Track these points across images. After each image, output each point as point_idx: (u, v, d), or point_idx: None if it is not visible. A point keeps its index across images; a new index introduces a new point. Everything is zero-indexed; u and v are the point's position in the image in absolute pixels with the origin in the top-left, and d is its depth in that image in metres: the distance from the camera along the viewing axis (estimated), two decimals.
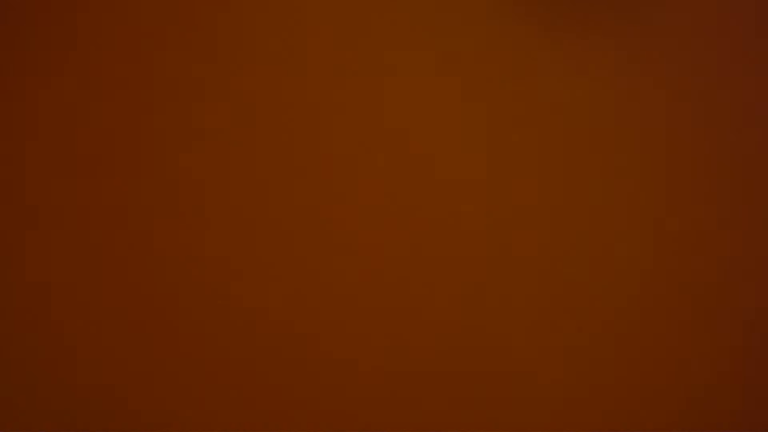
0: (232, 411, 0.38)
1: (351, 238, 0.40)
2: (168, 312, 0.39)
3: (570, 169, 0.42)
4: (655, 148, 0.42)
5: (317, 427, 0.38)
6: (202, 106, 0.42)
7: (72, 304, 0.39)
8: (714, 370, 0.40)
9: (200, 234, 0.40)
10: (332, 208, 0.41)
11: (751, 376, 0.40)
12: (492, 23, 0.43)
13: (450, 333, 0.40)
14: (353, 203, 0.41)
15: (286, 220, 0.41)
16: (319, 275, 0.40)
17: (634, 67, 0.43)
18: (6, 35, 0.42)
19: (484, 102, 0.42)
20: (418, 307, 0.40)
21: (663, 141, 0.42)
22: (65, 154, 0.41)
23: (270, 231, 0.40)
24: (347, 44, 0.43)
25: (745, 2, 0.44)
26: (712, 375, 0.40)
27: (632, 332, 0.40)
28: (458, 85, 0.42)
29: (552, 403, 0.39)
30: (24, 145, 0.41)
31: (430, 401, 0.39)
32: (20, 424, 0.38)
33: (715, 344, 0.40)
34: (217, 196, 0.41)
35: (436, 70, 0.43)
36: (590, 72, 0.43)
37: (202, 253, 0.40)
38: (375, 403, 0.39)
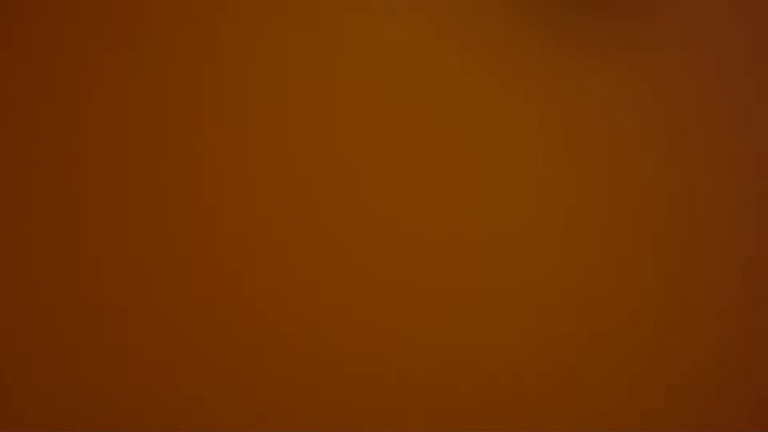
0: (232, 413, 0.38)
1: (352, 241, 0.40)
2: (168, 312, 0.39)
3: (576, 176, 0.42)
4: (661, 155, 0.42)
5: (319, 428, 0.38)
6: (203, 105, 0.42)
7: (71, 303, 0.39)
8: (712, 370, 0.40)
9: (198, 234, 0.40)
10: (331, 211, 0.41)
11: (751, 375, 0.40)
12: (500, 32, 0.43)
13: (449, 336, 0.40)
14: (355, 206, 0.41)
15: (286, 221, 0.41)
16: (317, 276, 0.40)
17: (643, 78, 0.43)
18: (5, 34, 0.42)
19: (489, 109, 0.42)
20: (419, 310, 0.40)
21: (670, 148, 0.42)
22: (67, 153, 0.41)
23: (269, 232, 0.40)
24: (352, 51, 0.43)
25: (753, 9, 0.44)
26: (710, 375, 0.40)
27: (630, 334, 0.40)
28: (463, 94, 0.42)
29: (551, 405, 0.39)
30: (23, 144, 0.41)
31: (430, 404, 0.39)
32: (20, 424, 0.38)
33: (714, 345, 0.40)
34: (216, 196, 0.41)
35: (442, 76, 0.43)
36: (598, 81, 0.43)
37: (202, 253, 0.40)
38: (374, 406, 0.39)
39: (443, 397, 0.39)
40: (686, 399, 0.39)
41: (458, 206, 0.41)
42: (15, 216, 0.40)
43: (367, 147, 0.41)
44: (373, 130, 0.42)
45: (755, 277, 0.41)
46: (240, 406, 0.39)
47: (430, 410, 0.39)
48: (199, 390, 0.39)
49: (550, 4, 0.44)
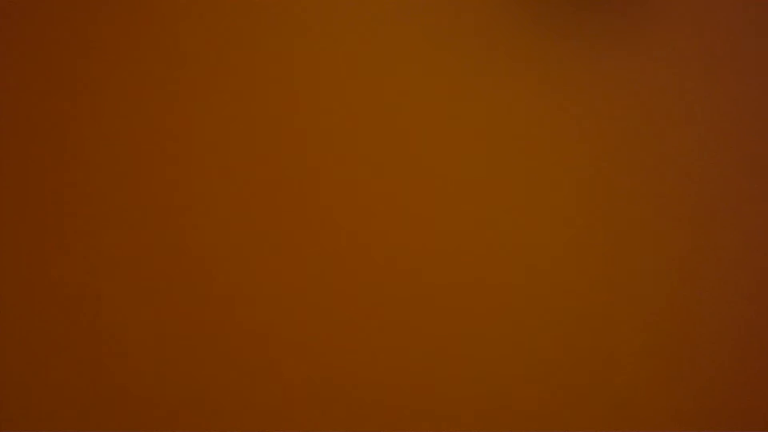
0: (230, 414, 0.39)
1: (353, 241, 0.40)
2: (167, 313, 0.39)
3: (576, 172, 0.42)
4: (666, 151, 0.42)
5: (317, 428, 0.38)
6: (200, 106, 0.42)
7: (70, 303, 0.39)
8: (710, 370, 0.40)
9: (196, 234, 0.40)
10: (328, 210, 0.41)
11: (749, 375, 0.40)
12: (501, 27, 0.43)
13: (448, 336, 0.40)
14: (357, 205, 0.41)
15: (283, 221, 0.41)
16: (316, 276, 0.40)
17: (645, 71, 0.43)
18: (6, 34, 0.42)
19: (490, 105, 0.42)
20: (419, 309, 0.40)
21: (671, 143, 0.42)
22: (65, 153, 0.41)
23: (266, 232, 0.40)
24: (353, 45, 0.43)
25: (754, 6, 0.44)
26: (710, 375, 0.40)
27: (630, 335, 0.40)
28: (464, 89, 0.42)
29: (551, 405, 0.39)
30: (21, 144, 0.41)
31: (429, 404, 0.39)
32: (20, 424, 0.38)
33: (711, 345, 0.40)
34: (214, 196, 0.41)
35: (443, 73, 0.42)
36: (599, 76, 0.43)
37: (201, 253, 0.40)
38: (374, 407, 0.39)
39: (443, 397, 0.39)
40: (687, 399, 0.39)
41: (460, 203, 0.41)
42: (14, 215, 0.40)
43: (369, 144, 0.41)
44: (374, 127, 0.42)
45: (753, 277, 0.41)
46: (239, 406, 0.39)
47: (430, 410, 0.39)
48: (199, 391, 0.39)
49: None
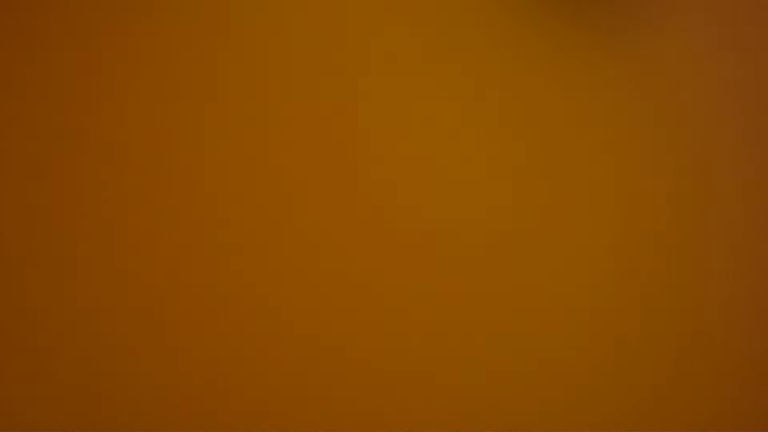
0: (232, 412, 0.38)
1: (347, 240, 0.40)
2: (170, 312, 0.39)
3: (573, 174, 0.42)
4: (662, 153, 0.42)
5: (319, 427, 0.38)
6: (199, 105, 0.42)
7: (74, 303, 0.39)
8: (711, 371, 0.40)
9: (197, 233, 0.40)
10: (328, 210, 0.41)
11: (751, 375, 0.40)
12: (500, 27, 0.43)
13: (448, 334, 0.40)
14: (351, 204, 0.41)
15: (283, 220, 0.41)
16: (314, 275, 0.40)
17: (642, 74, 0.43)
18: (7, 34, 0.42)
19: (488, 106, 0.42)
20: (415, 307, 0.40)
21: (671, 147, 0.43)
22: (65, 152, 0.41)
23: (265, 231, 0.40)
24: (349, 47, 0.43)
25: (759, 8, 0.44)
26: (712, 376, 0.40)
27: (633, 335, 0.40)
28: (461, 89, 0.43)
29: (552, 405, 0.39)
30: (22, 143, 0.41)
31: (430, 403, 0.39)
32: (20, 424, 0.38)
33: (713, 347, 0.40)
34: (213, 195, 0.41)
35: (440, 72, 0.43)
36: (597, 77, 0.43)
37: (201, 252, 0.40)
38: (374, 405, 0.39)
39: (444, 397, 0.39)
40: (686, 399, 0.40)
41: (461, 203, 0.41)
42: (16, 213, 0.40)
43: (369, 144, 0.42)
44: (374, 128, 0.42)
45: (755, 278, 0.41)
46: (240, 406, 0.38)
47: (431, 411, 0.39)
48: (201, 390, 0.38)
49: (551, 4, 0.44)
